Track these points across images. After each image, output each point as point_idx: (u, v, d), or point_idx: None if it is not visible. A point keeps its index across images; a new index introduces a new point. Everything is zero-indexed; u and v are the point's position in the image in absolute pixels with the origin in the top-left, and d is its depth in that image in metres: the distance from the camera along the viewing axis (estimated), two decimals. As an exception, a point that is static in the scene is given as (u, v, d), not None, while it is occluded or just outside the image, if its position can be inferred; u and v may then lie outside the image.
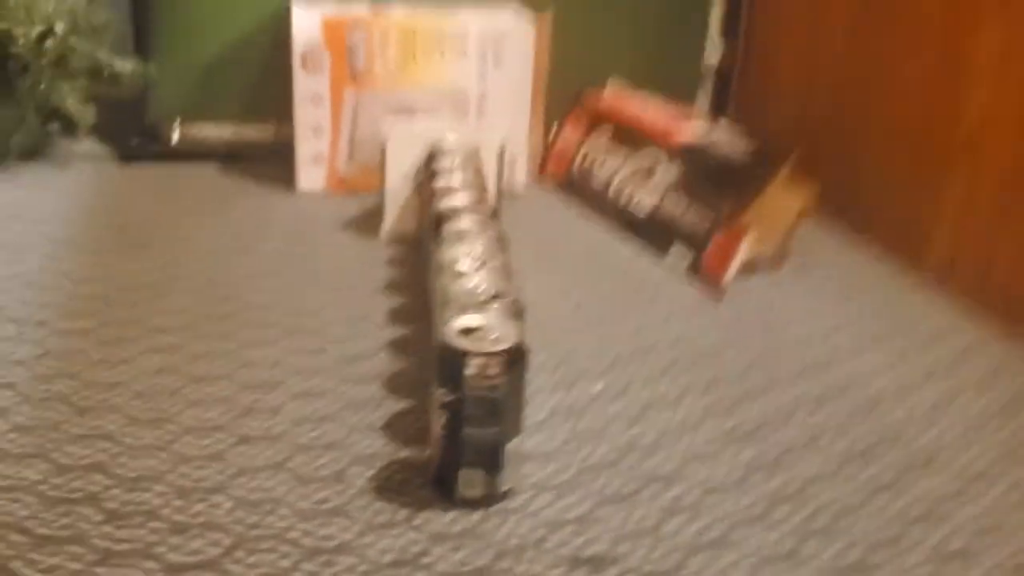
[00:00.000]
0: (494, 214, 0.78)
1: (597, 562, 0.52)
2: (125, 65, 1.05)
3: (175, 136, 1.16)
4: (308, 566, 0.51)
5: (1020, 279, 0.86)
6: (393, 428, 0.64)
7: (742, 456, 0.63)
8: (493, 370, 0.53)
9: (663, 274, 0.92)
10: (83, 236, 0.93)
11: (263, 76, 1.16)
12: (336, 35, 1.03)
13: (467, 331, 0.55)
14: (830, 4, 1.11)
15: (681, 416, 0.68)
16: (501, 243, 0.69)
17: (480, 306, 0.58)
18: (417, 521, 0.55)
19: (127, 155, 1.14)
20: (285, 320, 0.78)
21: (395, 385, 0.69)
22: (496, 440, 0.55)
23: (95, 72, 1.02)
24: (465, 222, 0.72)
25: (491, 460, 0.56)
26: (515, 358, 0.54)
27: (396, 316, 0.80)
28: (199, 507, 0.54)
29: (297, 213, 1.03)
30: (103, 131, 1.13)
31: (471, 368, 0.53)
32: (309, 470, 0.59)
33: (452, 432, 0.55)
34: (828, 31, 1.12)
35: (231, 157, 1.17)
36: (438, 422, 0.56)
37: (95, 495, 0.55)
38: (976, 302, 0.88)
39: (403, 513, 0.55)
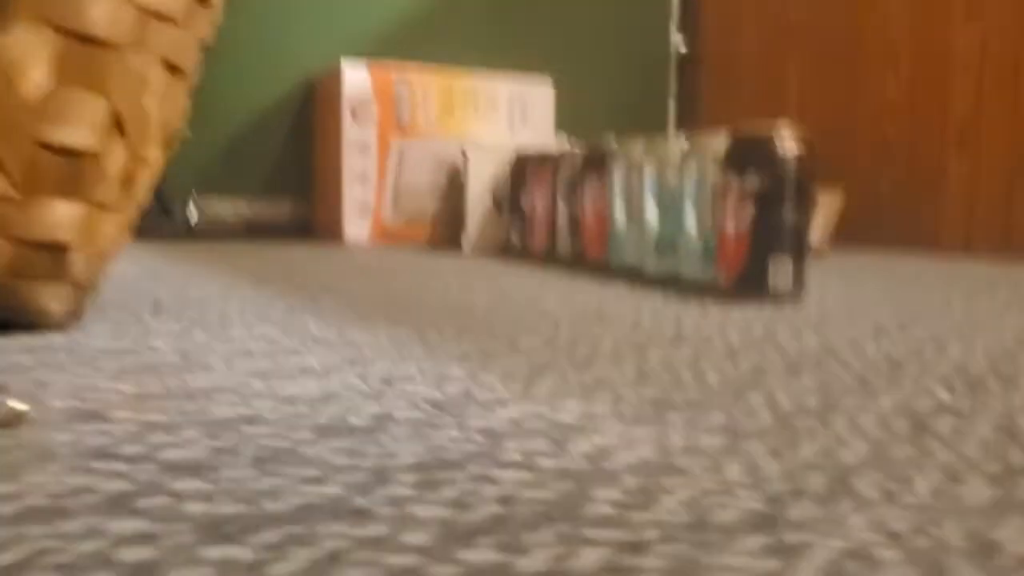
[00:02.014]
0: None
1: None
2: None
3: (193, 214, 1.12)
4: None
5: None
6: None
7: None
8: (802, 150, 0.57)
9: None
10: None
11: (281, 152, 1.16)
12: (384, 87, 1.07)
13: (751, 137, 0.59)
14: (786, 42, 1.29)
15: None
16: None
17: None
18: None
19: (141, 232, 1.09)
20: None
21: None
22: (805, 225, 0.57)
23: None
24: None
25: (799, 247, 0.57)
26: (810, 147, 0.58)
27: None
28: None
29: (362, 253, 1.01)
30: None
31: (785, 148, 0.56)
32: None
33: (763, 219, 0.57)
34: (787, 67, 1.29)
35: (248, 234, 1.14)
36: (743, 216, 0.57)
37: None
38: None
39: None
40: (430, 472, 0.19)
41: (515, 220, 0.96)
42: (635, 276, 0.72)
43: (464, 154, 0.99)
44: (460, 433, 0.23)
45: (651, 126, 1.39)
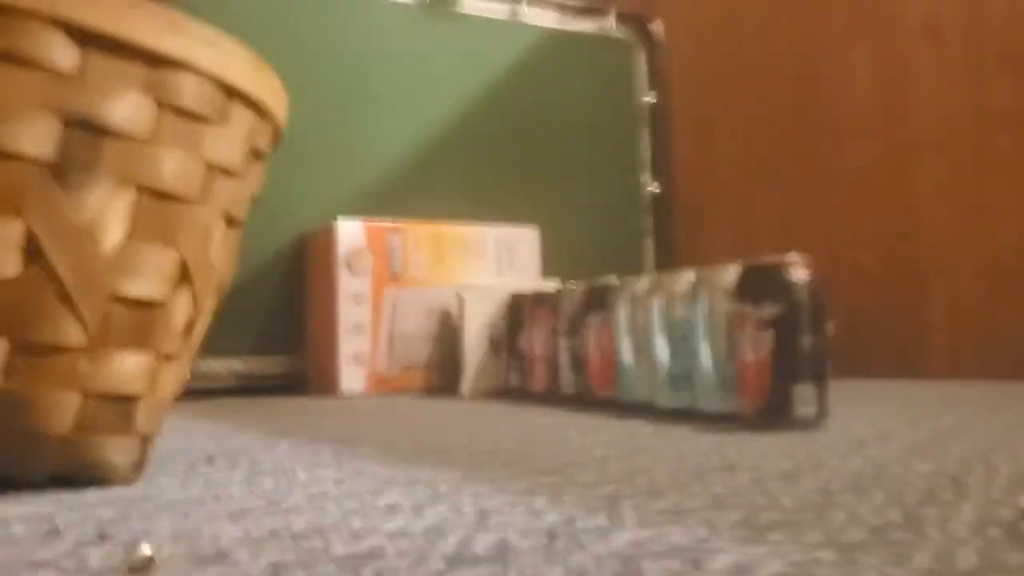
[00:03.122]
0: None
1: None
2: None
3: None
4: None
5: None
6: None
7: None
8: (812, 275, 0.59)
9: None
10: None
11: (273, 308, 1.17)
12: (378, 238, 1.10)
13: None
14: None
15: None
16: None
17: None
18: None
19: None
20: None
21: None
22: (823, 350, 0.59)
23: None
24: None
25: (820, 372, 0.59)
26: (821, 273, 0.60)
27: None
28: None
29: (366, 402, 1.01)
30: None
31: (797, 276, 0.58)
32: (629, 434, 0.58)
33: (782, 346, 0.58)
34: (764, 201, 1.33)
35: (242, 391, 1.14)
36: (761, 345, 0.59)
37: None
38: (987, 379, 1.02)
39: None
40: (588, 593, 0.19)
41: (513, 361, 0.96)
42: (647, 412, 0.72)
43: (459, 296, 1.00)
44: (591, 558, 0.23)
45: (631, 266, 1.42)
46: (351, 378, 1.07)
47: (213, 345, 1.14)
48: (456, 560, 0.23)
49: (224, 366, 1.15)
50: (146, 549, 0.22)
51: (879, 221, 1.18)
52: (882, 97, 1.18)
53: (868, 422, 0.61)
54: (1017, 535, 0.27)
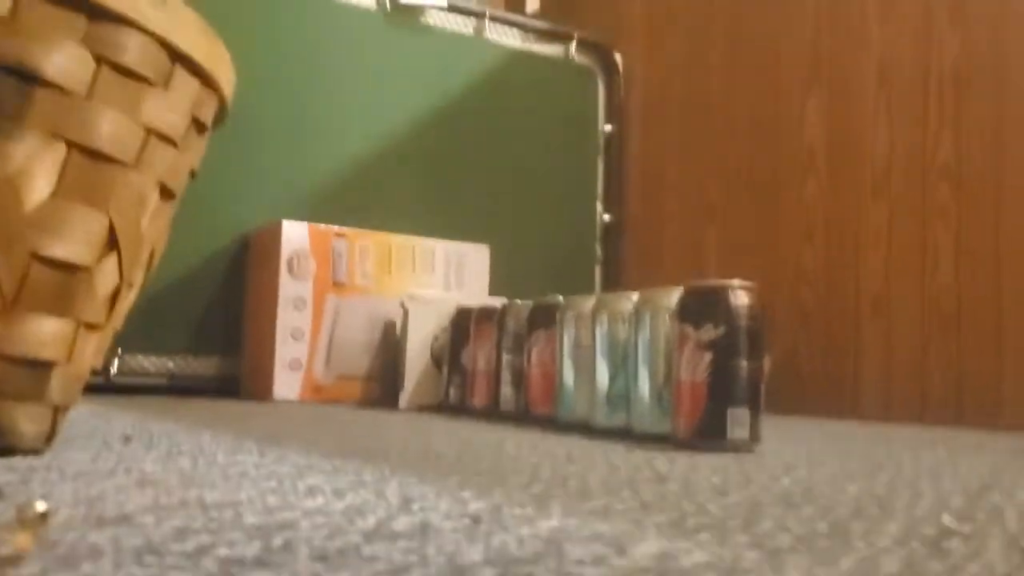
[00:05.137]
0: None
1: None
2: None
3: (113, 367, 1.08)
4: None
5: (956, 396, 1.03)
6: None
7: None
8: (753, 301, 0.59)
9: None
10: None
11: (210, 308, 1.15)
12: (322, 243, 1.08)
13: (704, 291, 0.61)
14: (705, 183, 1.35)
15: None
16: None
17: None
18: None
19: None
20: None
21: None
22: (759, 375, 0.59)
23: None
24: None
25: (755, 397, 0.58)
26: (762, 299, 0.60)
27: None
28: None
29: (299, 408, 0.99)
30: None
31: (738, 299, 0.58)
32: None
33: (720, 368, 0.58)
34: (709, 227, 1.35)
35: (172, 390, 1.11)
36: (699, 366, 0.58)
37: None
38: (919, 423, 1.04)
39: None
40: (507, 567, 0.19)
41: (454, 376, 0.95)
42: (584, 430, 0.71)
43: (404, 307, 0.99)
44: (514, 539, 0.22)
45: (579, 291, 1.42)
46: (285, 384, 1.05)
47: (145, 341, 1.11)
48: (374, 535, 0.22)
49: (154, 363, 1.12)
50: (40, 505, 0.20)
51: (821, 260, 1.20)
52: (832, 142, 1.20)
53: (800, 450, 0.61)
54: (937, 547, 0.26)
